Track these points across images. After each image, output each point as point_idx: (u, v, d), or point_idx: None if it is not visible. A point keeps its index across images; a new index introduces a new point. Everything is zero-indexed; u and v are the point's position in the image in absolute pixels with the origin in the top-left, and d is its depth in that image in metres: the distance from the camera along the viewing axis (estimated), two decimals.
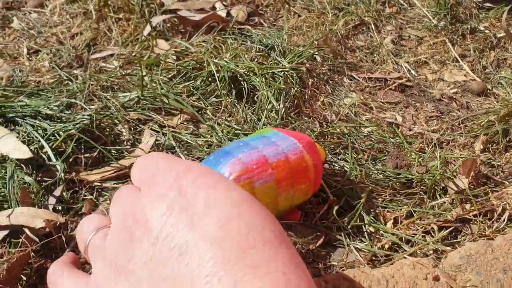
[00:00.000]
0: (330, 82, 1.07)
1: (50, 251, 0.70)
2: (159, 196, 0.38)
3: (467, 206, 0.75)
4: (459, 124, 0.97)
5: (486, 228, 0.72)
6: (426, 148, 0.89)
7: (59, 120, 0.88)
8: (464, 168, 0.77)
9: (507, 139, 0.90)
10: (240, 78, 0.97)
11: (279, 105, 0.92)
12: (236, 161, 0.64)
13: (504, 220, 0.73)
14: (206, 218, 0.36)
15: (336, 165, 0.84)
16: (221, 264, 0.33)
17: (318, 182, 0.71)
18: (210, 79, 0.99)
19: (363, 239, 0.72)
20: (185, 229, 0.36)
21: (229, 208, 0.37)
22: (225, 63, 0.97)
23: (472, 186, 0.79)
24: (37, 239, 0.68)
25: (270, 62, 1.03)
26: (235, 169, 0.63)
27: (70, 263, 0.48)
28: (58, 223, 0.73)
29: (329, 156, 0.85)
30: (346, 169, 0.83)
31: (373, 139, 0.91)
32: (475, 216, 0.74)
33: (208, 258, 0.34)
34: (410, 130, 0.95)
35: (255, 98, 0.96)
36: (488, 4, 1.32)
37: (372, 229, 0.72)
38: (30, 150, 0.81)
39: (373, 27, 1.25)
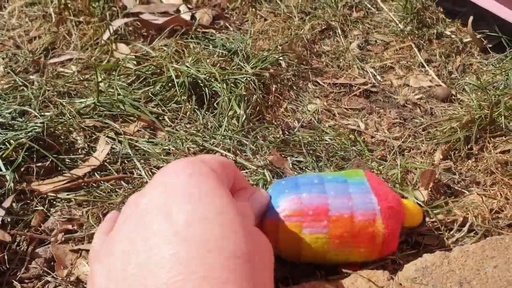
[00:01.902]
0: (294, 88, 1.05)
1: None
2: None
3: (427, 217, 0.74)
4: (422, 131, 0.96)
5: (445, 239, 0.71)
6: (388, 156, 0.88)
7: (10, 128, 0.84)
8: (423, 179, 0.76)
9: (469, 147, 0.89)
10: (201, 84, 0.95)
11: (242, 111, 0.90)
12: (296, 199, 0.61)
13: (463, 231, 0.72)
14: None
15: (296, 174, 0.82)
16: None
17: (389, 249, 0.64)
18: (170, 84, 0.96)
19: None
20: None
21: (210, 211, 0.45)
22: (185, 68, 0.95)
23: (432, 196, 0.78)
24: None
25: (233, 67, 1.01)
26: (290, 207, 0.60)
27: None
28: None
29: (290, 165, 0.84)
30: None
31: (335, 147, 0.90)
32: (435, 228, 0.72)
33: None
34: (372, 137, 0.94)
35: (215, 104, 0.94)
36: (455, 9, 1.32)
37: None
38: None
39: (339, 31, 1.24)
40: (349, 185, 0.64)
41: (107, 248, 0.46)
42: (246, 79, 0.96)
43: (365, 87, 1.08)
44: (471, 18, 1.20)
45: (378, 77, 1.12)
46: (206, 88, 0.94)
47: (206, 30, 1.17)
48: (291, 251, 0.62)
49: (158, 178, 0.49)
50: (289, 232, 0.60)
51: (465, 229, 0.71)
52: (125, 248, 0.43)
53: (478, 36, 1.22)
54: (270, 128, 0.91)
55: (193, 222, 0.43)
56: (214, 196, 0.46)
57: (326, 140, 0.91)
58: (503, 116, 0.91)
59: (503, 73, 1.09)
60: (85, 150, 0.86)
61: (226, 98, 0.92)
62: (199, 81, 0.95)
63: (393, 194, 0.65)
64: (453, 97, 1.06)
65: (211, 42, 1.10)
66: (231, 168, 0.55)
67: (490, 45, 1.20)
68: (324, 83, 1.09)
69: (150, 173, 0.82)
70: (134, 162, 0.83)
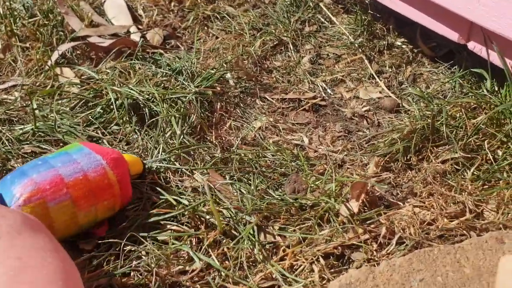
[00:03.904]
0: (241, 105, 1.05)
1: None
2: None
3: (360, 230, 0.73)
4: (366, 143, 0.95)
5: (375, 252, 0.70)
6: (331, 169, 0.87)
7: None
8: (353, 191, 0.75)
9: (408, 157, 0.88)
10: (142, 105, 0.95)
11: (179, 131, 0.90)
12: (28, 182, 0.64)
13: (393, 244, 0.71)
14: None
15: (235, 192, 0.82)
16: None
17: (127, 196, 0.73)
18: (111, 106, 0.96)
19: (247, 271, 0.69)
20: None
21: None
22: (125, 90, 0.94)
23: (365, 209, 0.77)
24: None
25: (177, 87, 1.00)
26: (26, 190, 0.63)
27: None
28: None
29: (227, 180, 0.83)
30: (245, 195, 0.81)
31: (276, 163, 0.89)
32: (365, 240, 0.72)
33: None
34: (315, 151, 0.94)
35: (153, 122, 0.93)
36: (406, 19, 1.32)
37: (260, 258, 0.70)
38: None
39: (291, 46, 1.24)
40: (71, 154, 0.70)
41: None
42: (188, 98, 0.96)
43: (314, 101, 1.08)
44: (419, 28, 1.21)
45: (328, 90, 1.12)
46: (146, 109, 0.94)
47: (155, 51, 1.17)
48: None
49: None
50: (35, 213, 0.62)
51: (394, 241, 0.70)
52: None
53: (428, 45, 1.22)
54: (210, 147, 0.91)
55: None
56: None
57: (268, 157, 0.91)
58: (444, 126, 0.90)
59: (451, 81, 1.09)
60: None
61: (165, 117, 0.91)
62: (140, 102, 0.95)
63: (112, 149, 0.74)
64: (402, 107, 1.06)
65: (157, 62, 1.10)
66: None
67: (441, 54, 1.20)
68: (272, 98, 1.08)
69: None
70: None
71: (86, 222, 0.69)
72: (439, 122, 0.92)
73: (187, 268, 0.70)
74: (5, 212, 0.47)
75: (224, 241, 0.74)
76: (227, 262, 0.71)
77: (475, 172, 0.84)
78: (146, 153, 0.88)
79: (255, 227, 0.74)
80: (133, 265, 0.69)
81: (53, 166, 0.67)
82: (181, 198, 0.79)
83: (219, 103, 1.02)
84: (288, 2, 1.37)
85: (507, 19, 0.85)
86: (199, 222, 0.76)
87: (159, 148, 0.87)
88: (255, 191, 0.81)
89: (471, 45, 0.99)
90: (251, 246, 0.72)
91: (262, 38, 1.23)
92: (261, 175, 0.85)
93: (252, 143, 0.95)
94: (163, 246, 0.72)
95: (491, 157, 0.85)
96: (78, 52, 1.15)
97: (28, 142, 0.90)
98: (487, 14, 0.87)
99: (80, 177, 0.67)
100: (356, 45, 1.23)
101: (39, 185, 0.64)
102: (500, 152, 0.88)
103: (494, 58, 0.94)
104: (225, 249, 0.72)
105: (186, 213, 0.76)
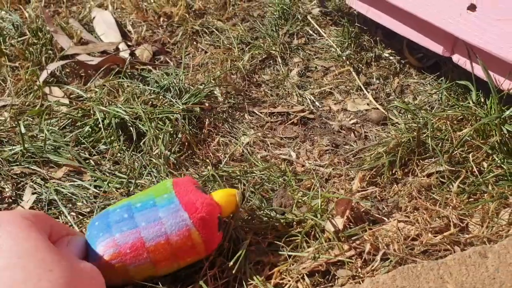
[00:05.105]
0: (230, 120, 1.06)
1: None
2: None
3: (345, 246, 0.73)
4: (353, 157, 0.96)
5: (359, 269, 0.71)
6: (317, 185, 0.88)
7: None
8: (338, 208, 0.76)
9: (393, 171, 0.89)
10: (129, 124, 0.95)
11: (166, 149, 0.90)
12: (111, 243, 0.63)
13: (377, 260, 0.71)
14: None
15: None
16: None
17: (214, 246, 0.69)
18: (99, 126, 0.96)
19: None
20: None
21: (11, 257, 0.46)
22: (112, 109, 0.95)
23: (351, 225, 0.78)
24: None
25: (165, 104, 1.01)
26: (108, 251, 0.62)
27: None
28: None
29: None
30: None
31: (264, 179, 0.90)
32: (350, 257, 0.72)
33: None
34: (303, 166, 0.94)
35: (141, 143, 0.94)
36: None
37: (248, 278, 0.71)
38: None
39: (279, 60, 1.24)
40: (158, 209, 0.66)
41: None
42: (174, 115, 0.96)
43: (303, 114, 1.09)
44: (405, 40, 1.21)
45: (316, 103, 1.13)
46: (133, 128, 0.94)
47: (144, 67, 1.18)
48: (124, 281, 0.65)
49: None
50: (115, 272, 0.63)
51: (378, 258, 0.71)
52: None
53: (415, 56, 1.23)
54: (198, 164, 0.91)
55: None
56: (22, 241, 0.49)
57: (255, 173, 0.91)
58: (430, 138, 0.91)
59: (438, 92, 1.10)
60: (12, 198, 0.85)
61: (153, 137, 0.92)
62: (128, 121, 0.95)
63: (202, 199, 0.67)
64: (389, 119, 1.06)
65: (145, 79, 1.11)
66: (43, 218, 0.58)
67: (428, 65, 1.21)
68: (261, 113, 1.09)
69: (76, 217, 0.81)
70: (60, 207, 0.82)
71: (168, 272, 0.68)
72: (425, 135, 0.93)
73: None
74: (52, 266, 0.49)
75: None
76: (215, 281, 0.71)
77: (460, 185, 0.85)
78: (135, 172, 0.88)
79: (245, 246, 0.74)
80: None
81: (137, 225, 0.64)
82: None
83: (207, 119, 1.03)
84: (277, 15, 1.38)
85: (489, 33, 0.86)
86: None
87: (149, 167, 0.88)
88: (244, 208, 0.82)
89: (456, 58, 1.00)
90: (239, 266, 0.72)
91: (250, 52, 1.24)
92: (249, 192, 0.86)
93: (240, 159, 0.96)
94: None
95: (476, 169, 0.86)
96: (67, 70, 1.16)
97: (18, 163, 0.90)
98: (469, 29, 0.88)
99: (162, 241, 0.63)
100: (344, 57, 1.24)
101: (120, 249, 0.62)
102: (485, 165, 0.88)
103: (479, 70, 0.95)
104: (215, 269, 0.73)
105: None
